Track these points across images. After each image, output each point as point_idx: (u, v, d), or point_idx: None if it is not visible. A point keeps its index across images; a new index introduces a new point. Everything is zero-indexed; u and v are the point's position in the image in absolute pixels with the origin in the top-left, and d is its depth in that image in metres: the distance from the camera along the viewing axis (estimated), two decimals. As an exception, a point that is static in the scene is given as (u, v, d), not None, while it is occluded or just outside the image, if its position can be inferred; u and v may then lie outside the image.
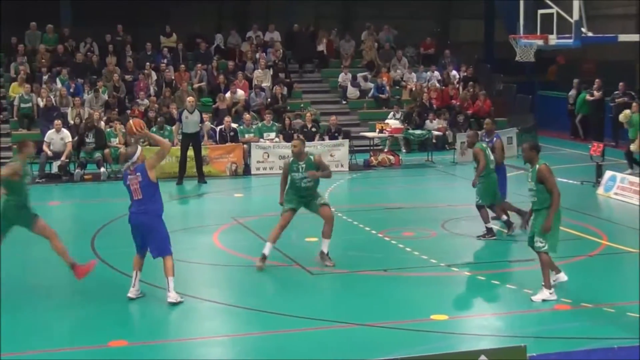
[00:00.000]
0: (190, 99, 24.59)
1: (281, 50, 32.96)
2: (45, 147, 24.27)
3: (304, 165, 14.72)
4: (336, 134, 27.23)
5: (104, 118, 26.75)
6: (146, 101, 28.31)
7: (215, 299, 13.31)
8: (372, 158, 26.93)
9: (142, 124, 13.38)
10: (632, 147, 23.64)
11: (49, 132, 24.65)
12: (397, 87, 33.06)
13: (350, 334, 11.76)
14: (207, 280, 14.73)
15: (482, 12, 39.63)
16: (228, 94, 29.15)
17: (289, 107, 30.07)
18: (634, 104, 24.33)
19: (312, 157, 14.95)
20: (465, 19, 40.96)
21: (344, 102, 32.37)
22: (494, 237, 16.92)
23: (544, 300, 13.10)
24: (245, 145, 25.54)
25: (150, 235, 12.96)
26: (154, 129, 25.37)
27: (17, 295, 13.27)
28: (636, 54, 34.10)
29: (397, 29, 36.33)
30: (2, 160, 20.08)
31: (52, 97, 27.82)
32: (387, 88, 32.22)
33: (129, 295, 13.08)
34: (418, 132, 29.11)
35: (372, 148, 27.89)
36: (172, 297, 12.95)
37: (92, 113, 26.34)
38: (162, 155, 13.25)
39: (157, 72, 30.64)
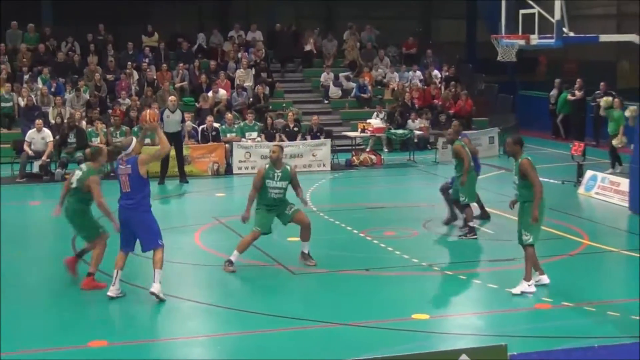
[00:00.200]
0: (172, 98, 24.55)
1: (263, 50, 32.94)
2: (26, 147, 24.17)
3: (280, 174, 14.65)
4: (318, 134, 27.23)
5: (86, 118, 26.66)
6: (128, 101, 28.24)
7: (196, 299, 13.27)
8: (354, 158, 26.93)
9: (157, 116, 13.32)
10: (614, 142, 23.76)
11: (30, 131, 24.53)
12: (379, 87, 33.10)
13: (331, 334, 11.75)
14: (188, 280, 14.69)
15: (463, 12, 39.70)
16: (210, 94, 29.11)
17: (271, 107, 30.04)
18: (616, 100, 24.45)
19: (288, 167, 14.88)
20: (447, 18, 41.03)
21: (326, 101, 32.38)
22: (475, 236, 16.95)
23: (522, 293, 13.31)
24: (227, 145, 25.50)
25: (139, 229, 12.91)
26: (135, 128, 25.37)
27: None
28: (617, 54, 34.32)
29: (379, 28, 36.37)
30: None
31: (33, 96, 27.69)
32: (369, 88, 32.25)
33: (109, 293, 13.02)
34: (400, 131, 29.13)
35: (354, 148, 27.90)
36: (156, 288, 12.86)
37: (73, 112, 26.27)
38: (158, 156, 13.24)
39: (138, 71, 30.56)
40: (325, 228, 18.15)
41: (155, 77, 30.30)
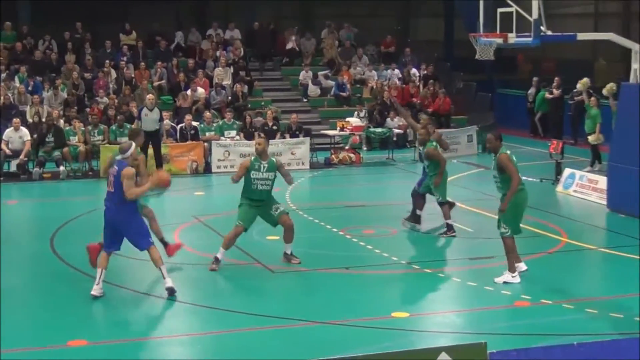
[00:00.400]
0: (149, 96, 24.49)
1: (241, 49, 32.89)
2: (3, 146, 24.05)
3: (266, 165, 14.63)
4: (297, 132, 27.22)
5: (63, 117, 26.55)
6: (105, 99, 28.13)
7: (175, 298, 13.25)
8: (333, 156, 26.95)
9: (164, 182, 13.21)
10: (590, 139, 23.87)
11: (7, 130, 24.40)
12: (358, 86, 33.11)
13: (311, 332, 11.75)
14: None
15: (442, 11, 39.81)
16: (188, 92, 29.04)
17: (249, 105, 30.02)
18: (592, 99, 24.54)
19: (274, 159, 14.88)
20: (425, 17, 41.14)
21: (305, 100, 32.37)
22: (454, 234, 16.99)
23: (505, 282, 13.56)
24: (205, 144, 25.47)
25: (129, 231, 12.88)
26: (113, 127, 25.30)
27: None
28: (594, 53, 34.50)
29: (357, 27, 36.39)
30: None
31: (10, 95, 27.55)
32: (348, 86, 32.26)
33: (93, 292, 12.95)
34: (379, 130, 29.17)
35: (333, 146, 27.90)
36: (169, 282, 12.99)
37: (51, 111, 26.15)
38: (129, 187, 12.86)
39: (116, 70, 30.47)
40: (304, 226, 18.14)
41: (133, 75, 30.21)
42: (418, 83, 33.08)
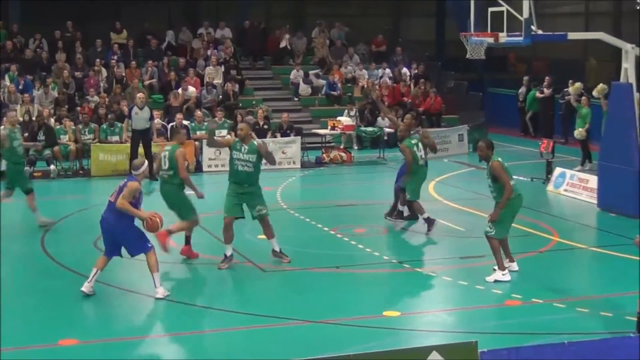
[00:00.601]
0: (140, 95, 24.45)
1: (232, 48, 32.85)
2: (-7, 144, 23.97)
3: (247, 147, 14.60)
4: (288, 131, 27.21)
5: (55, 116, 26.48)
6: (96, 98, 28.07)
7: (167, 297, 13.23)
8: (324, 155, 26.94)
9: (155, 225, 13.21)
10: (575, 132, 23.99)
11: (-3, 129, 24.33)
12: (349, 85, 33.11)
13: (302, 331, 11.75)
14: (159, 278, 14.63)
15: (433, 10, 39.82)
16: (180, 91, 29.00)
17: (240, 104, 29.98)
18: (583, 98, 24.64)
19: (255, 142, 14.86)
20: (417, 16, 41.11)
21: (296, 99, 32.35)
22: (434, 225, 17.00)
23: (496, 281, 13.63)
24: (196, 143, 25.44)
25: (124, 239, 12.92)
26: (104, 126, 25.27)
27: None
28: (585, 52, 34.55)
29: (348, 26, 36.38)
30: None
31: (0, 94, 27.47)
32: (339, 85, 32.25)
33: (83, 289, 12.95)
34: (370, 129, 29.18)
35: (324, 145, 27.90)
36: (160, 292, 12.97)
37: (41, 110, 26.10)
38: (130, 211, 12.86)
39: (107, 68, 30.41)
40: (295, 225, 18.18)
41: (124, 74, 30.14)
42: (409, 82, 33.07)
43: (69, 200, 20.82)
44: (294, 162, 25.99)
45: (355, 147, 29.34)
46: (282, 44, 34.38)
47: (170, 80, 29.96)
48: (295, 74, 32.60)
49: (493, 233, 13.68)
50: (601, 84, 22.58)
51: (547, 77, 31.69)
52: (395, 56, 35.07)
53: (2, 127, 17.97)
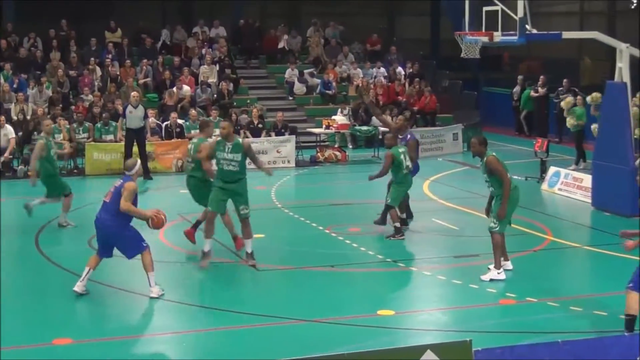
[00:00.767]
0: (134, 93, 24.43)
1: (226, 46, 32.81)
2: (-12, 144, 23.98)
3: (230, 146, 14.47)
4: (283, 130, 27.21)
5: (49, 115, 26.43)
6: (91, 97, 28.04)
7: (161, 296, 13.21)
8: (318, 154, 26.94)
9: (160, 222, 13.24)
10: (568, 121, 24.23)
11: (-8, 128, 24.32)
12: (344, 84, 33.10)
13: (297, 330, 11.75)
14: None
15: (428, 9, 39.84)
16: (174, 90, 28.98)
17: (235, 103, 29.99)
18: (578, 97, 24.74)
19: (240, 140, 14.79)
20: (411, 15, 41.13)
21: (291, 98, 32.34)
22: (403, 237, 16.79)
23: (491, 280, 13.64)
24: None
25: (118, 242, 12.90)
26: (98, 125, 25.24)
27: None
28: (579, 51, 34.59)
29: (343, 25, 36.38)
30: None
31: (-6, 93, 27.47)
32: (334, 84, 32.25)
33: (75, 289, 12.93)
34: (364, 128, 29.18)
35: (318, 144, 27.90)
36: (154, 292, 12.97)
37: (36, 109, 26.08)
38: (129, 205, 12.87)
39: (101, 67, 30.38)
40: (289, 225, 18.18)
41: (118, 73, 30.13)
42: (404, 81, 33.07)
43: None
44: (288, 161, 25.98)
45: (350, 146, 29.35)
46: (281, 45, 34.37)
47: (164, 79, 29.94)
48: (290, 73, 32.59)
49: (497, 228, 13.71)
50: (596, 93, 22.68)
51: (541, 77, 31.71)
52: (389, 55, 35.09)
53: (41, 135, 18.37)
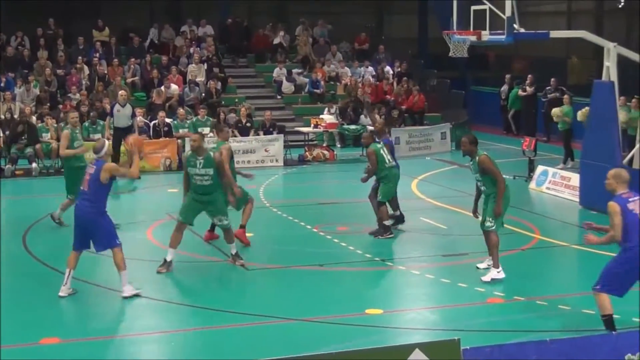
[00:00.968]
0: (121, 92, 24.41)
1: (214, 45, 32.78)
2: (-25, 143, 23.91)
3: (202, 161, 14.28)
4: (271, 129, 27.19)
5: (36, 114, 26.38)
6: (78, 95, 27.99)
7: (149, 295, 13.17)
8: (306, 153, 26.94)
9: (139, 144, 13.23)
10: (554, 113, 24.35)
11: (-21, 127, 24.27)
12: (332, 83, 33.11)
13: (286, 329, 11.74)
14: (141, 277, 14.52)
15: (415, 8, 39.85)
16: (162, 89, 28.94)
17: (223, 102, 29.96)
18: (565, 96, 24.83)
19: (211, 154, 14.48)
20: (399, 14, 41.15)
21: (279, 97, 32.32)
22: (391, 235, 16.81)
23: (492, 279, 13.62)
24: (179, 140, 25.38)
25: (92, 232, 12.83)
26: (86, 124, 25.17)
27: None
28: (567, 50, 34.65)
29: (331, 24, 36.39)
30: None
31: (-19, 92, 27.39)
32: (322, 83, 32.25)
33: (60, 293, 12.89)
34: (353, 127, 29.18)
35: (306, 143, 27.89)
36: (127, 291, 12.88)
37: (23, 108, 26.00)
38: (123, 176, 12.98)
39: (89, 66, 30.32)
40: (278, 224, 18.17)
41: (106, 72, 30.07)
42: (392, 80, 33.12)
43: (51, 199, 20.68)
44: (276, 160, 25.98)
45: (338, 145, 29.37)
46: (277, 40, 34.35)
47: (152, 78, 29.91)
48: (278, 72, 32.58)
49: (494, 227, 13.69)
50: (586, 108, 22.65)
51: (529, 75, 31.78)
52: (378, 54, 35.13)
53: (67, 126, 18.16)
